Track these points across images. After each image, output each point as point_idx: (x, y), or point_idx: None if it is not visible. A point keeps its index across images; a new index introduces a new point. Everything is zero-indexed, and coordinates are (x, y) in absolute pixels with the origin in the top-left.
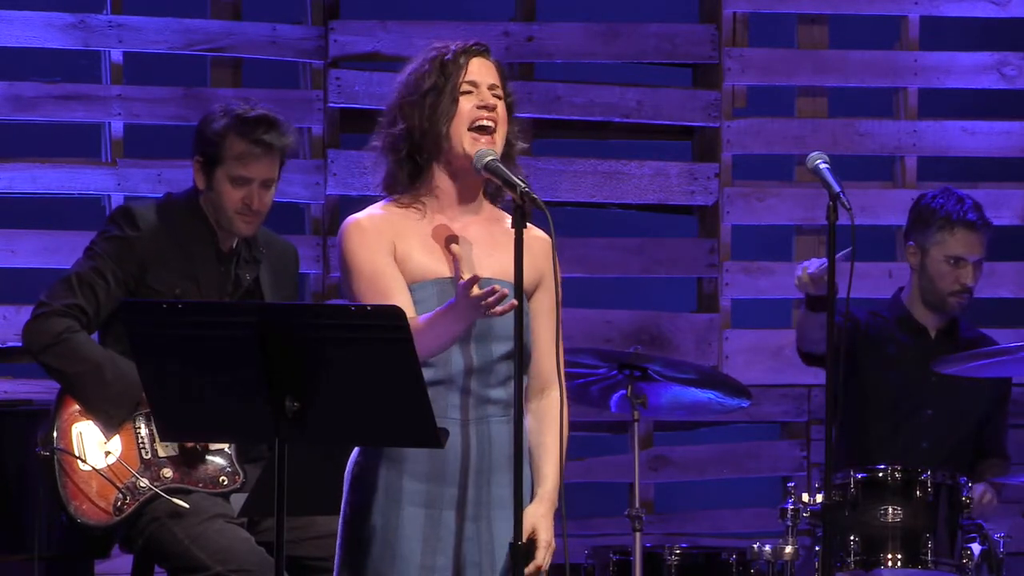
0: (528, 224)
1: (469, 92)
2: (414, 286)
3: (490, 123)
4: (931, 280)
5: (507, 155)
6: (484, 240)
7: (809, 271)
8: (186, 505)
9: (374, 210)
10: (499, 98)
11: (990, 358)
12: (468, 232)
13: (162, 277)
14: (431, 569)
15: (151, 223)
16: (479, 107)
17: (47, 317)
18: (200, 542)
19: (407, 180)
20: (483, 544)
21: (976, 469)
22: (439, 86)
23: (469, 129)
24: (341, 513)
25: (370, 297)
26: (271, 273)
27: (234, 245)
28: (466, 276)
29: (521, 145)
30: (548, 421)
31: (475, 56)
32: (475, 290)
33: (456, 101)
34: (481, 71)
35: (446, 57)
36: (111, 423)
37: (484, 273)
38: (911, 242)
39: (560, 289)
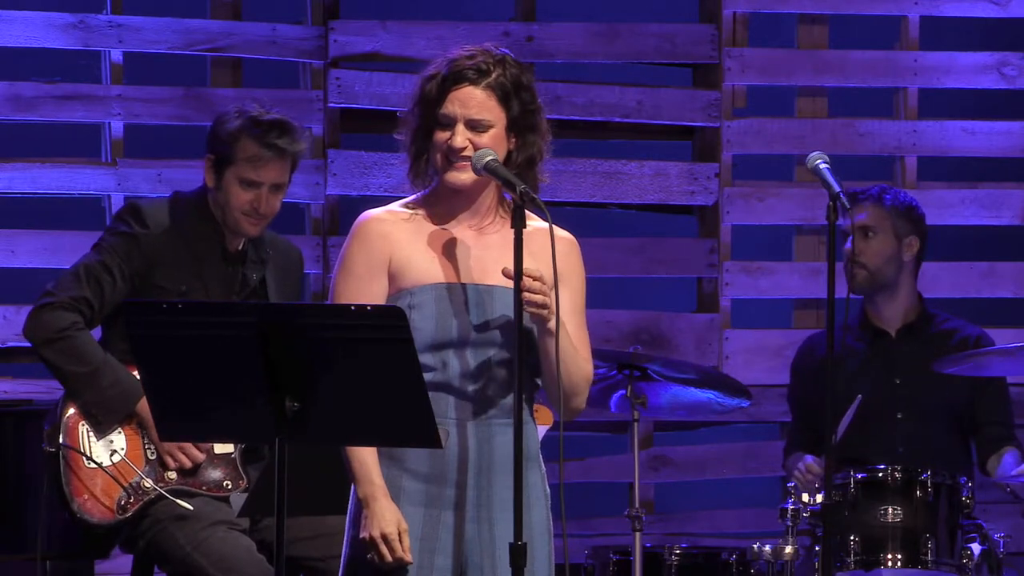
0: (553, 225)
1: (444, 125)
2: (414, 290)
3: (461, 161)
4: None
5: (515, 173)
6: (497, 244)
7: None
8: (190, 507)
9: (392, 208)
10: (484, 129)
11: (987, 357)
12: (482, 237)
13: (169, 275)
14: (429, 568)
15: (159, 221)
16: (448, 147)
17: (52, 309)
18: (202, 549)
19: (415, 180)
20: (484, 546)
21: (990, 460)
22: (418, 113)
23: (444, 159)
24: (348, 512)
25: (345, 297)
26: (276, 274)
27: (241, 246)
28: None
29: (535, 156)
30: None
31: (461, 86)
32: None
33: (431, 133)
34: (464, 104)
35: (432, 84)
36: (100, 428)
37: (489, 280)
38: None
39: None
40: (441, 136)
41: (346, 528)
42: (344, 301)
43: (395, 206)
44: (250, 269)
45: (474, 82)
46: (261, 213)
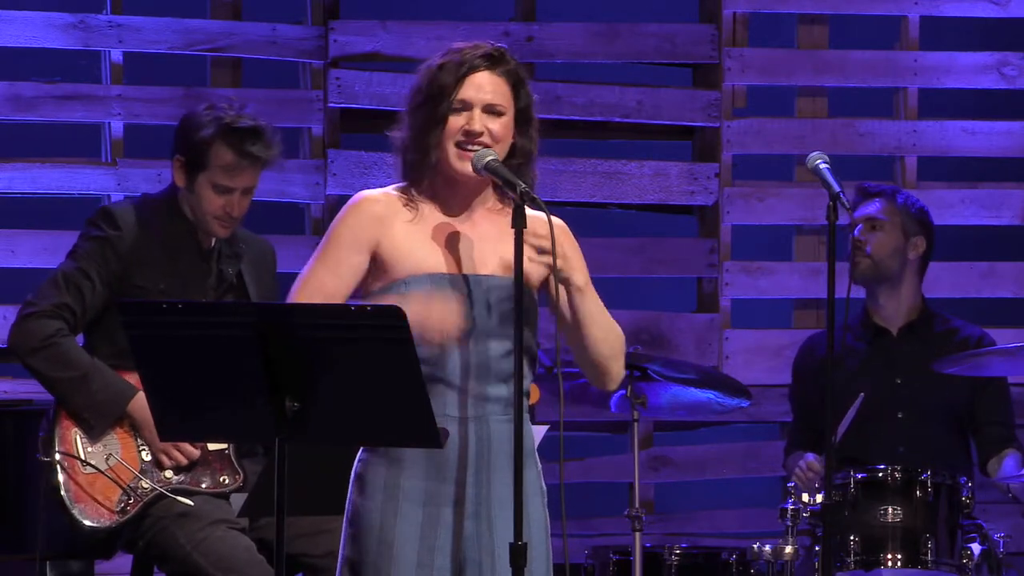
0: (541, 213)
1: (460, 110)
2: (408, 279)
3: (475, 148)
4: None
5: (512, 164)
6: (491, 235)
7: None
8: (191, 503)
9: (389, 191)
10: (498, 114)
11: (988, 356)
12: (476, 228)
13: (146, 275)
14: (429, 567)
15: (131, 223)
16: (465, 131)
17: (36, 318)
18: (202, 548)
19: (415, 175)
20: (483, 543)
21: (990, 462)
22: (431, 101)
23: (456, 146)
24: (345, 511)
25: (317, 267)
26: (252, 268)
27: (213, 242)
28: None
29: (532, 151)
30: None
31: (476, 71)
32: None
33: (445, 119)
34: (482, 88)
35: (445, 71)
36: (92, 432)
37: (486, 270)
38: None
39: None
40: (456, 121)
41: (343, 528)
42: (318, 267)
43: (391, 190)
44: (225, 264)
45: (490, 68)
46: (233, 217)
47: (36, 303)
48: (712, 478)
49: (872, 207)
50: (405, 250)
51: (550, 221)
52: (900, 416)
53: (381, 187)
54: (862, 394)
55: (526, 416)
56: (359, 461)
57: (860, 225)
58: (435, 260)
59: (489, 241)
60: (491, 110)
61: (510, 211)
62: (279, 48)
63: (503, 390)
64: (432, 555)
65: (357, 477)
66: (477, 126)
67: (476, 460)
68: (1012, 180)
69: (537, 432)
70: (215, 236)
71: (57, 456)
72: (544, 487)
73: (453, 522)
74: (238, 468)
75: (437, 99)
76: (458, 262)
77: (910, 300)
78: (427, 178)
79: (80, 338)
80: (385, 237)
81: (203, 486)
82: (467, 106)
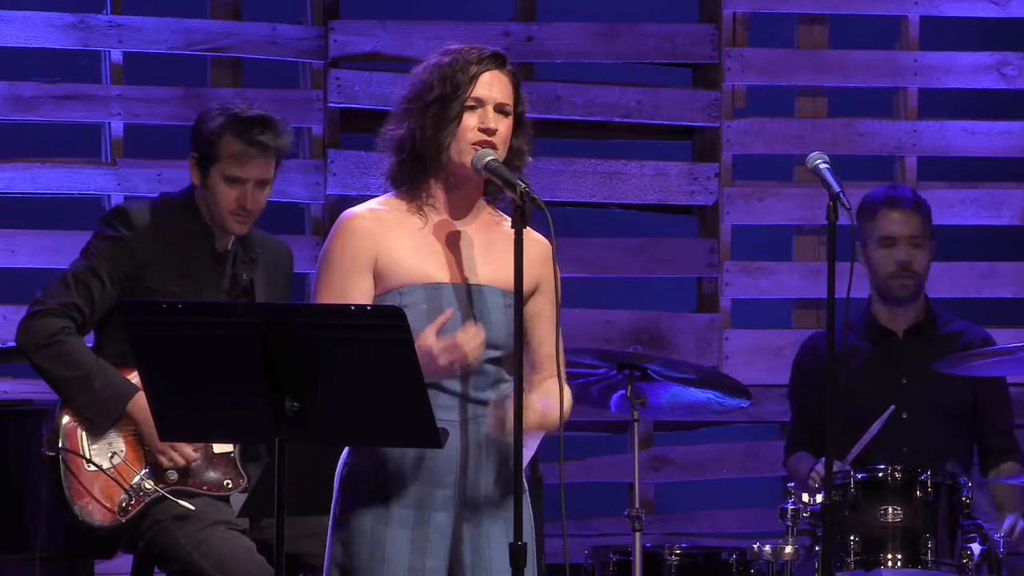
0: (527, 228)
1: (473, 108)
2: (403, 290)
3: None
4: (875, 271)
5: (513, 166)
6: (481, 246)
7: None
8: (191, 507)
9: (373, 206)
10: (507, 114)
11: (989, 357)
12: (470, 237)
13: (158, 276)
14: (420, 570)
15: (146, 223)
16: (480, 128)
17: (43, 316)
18: (202, 549)
19: (408, 180)
20: (476, 545)
21: (989, 473)
22: (444, 97)
23: (470, 144)
24: (331, 513)
25: (325, 298)
26: (266, 274)
27: (229, 245)
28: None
29: (527, 156)
30: (545, 390)
31: (487, 70)
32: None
33: (459, 116)
34: (492, 87)
35: (457, 68)
36: (93, 431)
37: (477, 280)
38: (859, 242)
39: (560, 292)
40: (470, 119)
41: (329, 531)
42: (329, 298)
43: (375, 204)
44: (240, 269)
45: (499, 67)
46: (247, 210)
47: (44, 301)
48: (712, 478)
49: (913, 224)
50: (399, 260)
51: (551, 232)
52: (904, 416)
53: (378, 190)
54: (892, 407)
55: None
56: (344, 464)
57: (901, 242)
58: (428, 269)
59: (481, 252)
60: (501, 109)
61: (503, 222)
62: (279, 48)
63: (492, 394)
64: (423, 558)
65: (344, 480)
66: (492, 123)
67: (468, 463)
68: (1012, 180)
69: (536, 432)
70: (233, 233)
71: (61, 452)
72: (526, 485)
73: (444, 525)
74: (242, 472)
75: (450, 96)
76: (456, 270)
77: (918, 302)
78: (430, 178)
79: (89, 337)
80: (381, 251)
81: (205, 488)
82: (480, 103)
